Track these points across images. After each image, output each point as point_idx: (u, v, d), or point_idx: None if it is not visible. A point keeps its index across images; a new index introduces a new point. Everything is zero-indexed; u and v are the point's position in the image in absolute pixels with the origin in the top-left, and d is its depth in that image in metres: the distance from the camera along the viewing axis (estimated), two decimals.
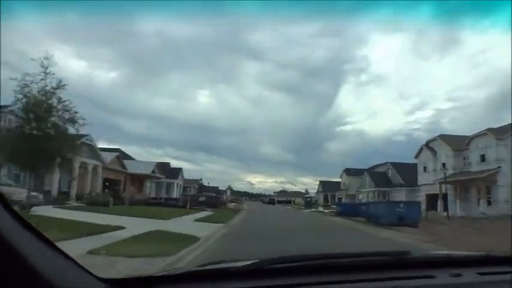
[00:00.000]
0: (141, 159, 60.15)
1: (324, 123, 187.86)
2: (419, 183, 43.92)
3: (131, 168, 44.13)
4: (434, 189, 39.80)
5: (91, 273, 1.15)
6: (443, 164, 38.59)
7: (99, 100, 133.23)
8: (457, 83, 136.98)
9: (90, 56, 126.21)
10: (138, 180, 46.90)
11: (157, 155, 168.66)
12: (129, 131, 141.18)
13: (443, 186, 36.99)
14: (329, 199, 78.83)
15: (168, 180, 61.34)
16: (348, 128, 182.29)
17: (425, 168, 42.43)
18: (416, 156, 44.40)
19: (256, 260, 1.39)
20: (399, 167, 55.19)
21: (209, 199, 41.71)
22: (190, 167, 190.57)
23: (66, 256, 1.09)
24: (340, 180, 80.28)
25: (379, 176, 57.28)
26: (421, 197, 43.66)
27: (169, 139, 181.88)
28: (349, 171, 75.33)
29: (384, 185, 55.08)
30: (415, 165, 56.46)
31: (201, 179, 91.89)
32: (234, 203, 61.91)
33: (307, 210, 48.92)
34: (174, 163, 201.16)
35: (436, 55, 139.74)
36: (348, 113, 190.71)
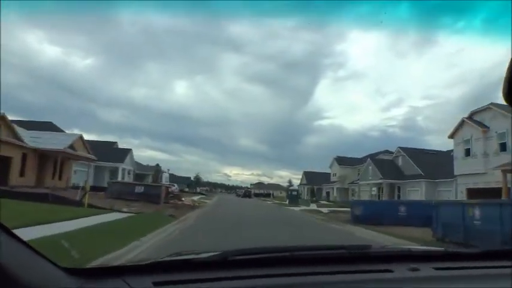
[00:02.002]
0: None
1: (301, 117, 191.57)
2: (457, 172, 31.12)
3: (37, 141, 29.63)
4: (484, 181, 27.20)
5: (54, 263, 1.14)
6: (503, 145, 25.92)
7: (74, 87, 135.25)
8: (432, 82, 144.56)
9: (65, 43, 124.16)
10: (52, 160, 32.26)
11: (134, 145, 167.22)
12: (105, 120, 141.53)
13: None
14: (315, 193, 66.13)
15: (110, 164, 47.00)
16: (325, 122, 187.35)
17: (468, 151, 29.61)
18: (452, 135, 31.47)
19: (221, 251, 1.40)
20: (414, 153, 42.46)
21: (150, 191, 27.71)
22: (167, 158, 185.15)
23: (27, 245, 1.08)
24: (329, 171, 67.55)
25: (386, 164, 44.44)
26: (459, 193, 30.94)
27: (146, 129, 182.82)
28: (341, 161, 62.48)
29: (393, 176, 42.27)
30: (435, 153, 44.03)
31: (159, 165, 77.18)
32: (196, 197, 47.91)
33: (296, 207, 35.44)
34: (151, 153, 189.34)
35: (413, 54, 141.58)
36: (325, 108, 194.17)
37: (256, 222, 17.11)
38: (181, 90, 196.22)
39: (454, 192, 34.73)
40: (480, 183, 27.81)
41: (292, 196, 43.96)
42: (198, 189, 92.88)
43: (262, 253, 1.42)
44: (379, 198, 45.04)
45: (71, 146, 33.61)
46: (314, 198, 58.68)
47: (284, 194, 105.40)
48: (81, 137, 36.80)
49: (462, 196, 30.09)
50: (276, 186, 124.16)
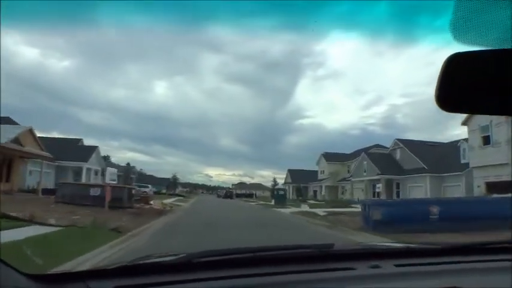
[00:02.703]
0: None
1: (282, 117, 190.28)
2: (473, 164, 26.88)
3: None
4: (509, 174, 23.01)
5: (16, 270, 1.13)
6: None
7: (52, 90, 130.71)
8: (411, 80, 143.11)
9: (42, 44, 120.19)
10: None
11: (114, 147, 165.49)
12: (85, 122, 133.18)
13: None
14: (302, 192, 61.63)
15: (73, 163, 41.24)
16: (305, 121, 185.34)
17: (487, 139, 25.37)
18: (465, 122, 27.18)
19: (186, 254, 1.41)
20: (414, 145, 38.24)
21: (113, 193, 22.31)
22: (148, 159, 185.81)
23: None
24: (316, 168, 63.14)
25: (382, 159, 40.15)
26: (476, 188, 26.72)
27: (125, 131, 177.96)
28: (329, 157, 58.12)
29: (392, 171, 37.97)
30: (437, 145, 39.94)
31: (131, 165, 71.79)
32: (171, 199, 42.47)
33: (284, 209, 30.60)
34: (131, 155, 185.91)
35: (391, 52, 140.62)
36: (305, 107, 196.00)
37: (238, 236, 12.10)
38: (161, 91, 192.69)
39: (464, 187, 30.64)
40: (504, 176, 23.61)
41: (279, 196, 39.10)
42: (178, 191, 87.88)
43: (227, 254, 1.42)
44: (373, 195, 40.71)
45: (16, 141, 27.91)
46: (301, 198, 54.12)
47: (267, 193, 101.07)
48: (30, 131, 31.00)
49: (479, 191, 25.86)
50: (258, 186, 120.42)
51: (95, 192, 22.59)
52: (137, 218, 16.37)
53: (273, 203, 44.26)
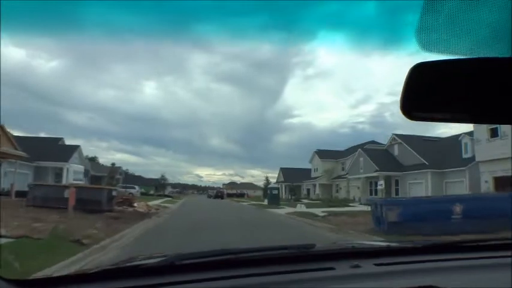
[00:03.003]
0: (86, 154, 47.71)
1: (271, 116, 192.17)
2: (480, 158, 25.27)
3: None
4: None
5: None
6: None
7: (39, 91, 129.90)
8: (398, 78, 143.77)
9: (29, 45, 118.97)
10: None
11: (102, 148, 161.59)
12: (73, 123, 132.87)
13: None
14: (295, 191, 59.82)
15: (53, 163, 38.78)
16: (295, 120, 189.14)
17: (494, 131, 23.75)
18: None
19: (169, 256, 1.41)
20: (413, 140, 36.57)
21: (86, 195, 20.15)
22: (137, 160, 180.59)
23: None
24: (309, 166, 61.40)
25: (380, 155, 38.44)
26: (483, 183, 25.11)
27: (114, 132, 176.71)
28: (322, 154, 56.37)
29: (390, 167, 36.28)
30: (436, 140, 38.39)
31: (120, 166, 69.40)
32: (159, 200, 40.20)
33: (279, 209, 28.69)
34: (120, 156, 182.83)
35: (379, 51, 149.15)
36: (295, 106, 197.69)
37: (231, 243, 10.08)
38: (150, 91, 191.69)
39: (467, 183, 29.03)
40: None
41: (272, 195, 37.10)
42: (167, 191, 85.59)
43: (209, 256, 1.42)
44: (371, 193, 39.03)
45: None
46: (294, 197, 52.28)
47: (258, 193, 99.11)
48: (1, 128, 28.54)
49: (487, 187, 24.27)
50: (249, 185, 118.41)
51: (69, 193, 20.39)
52: (114, 223, 14.27)
53: (265, 202, 42.31)
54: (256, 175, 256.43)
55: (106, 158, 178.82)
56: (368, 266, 1.41)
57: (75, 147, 43.37)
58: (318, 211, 25.03)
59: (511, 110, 0.80)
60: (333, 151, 57.50)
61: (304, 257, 1.49)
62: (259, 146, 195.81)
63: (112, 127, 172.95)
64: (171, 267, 1.34)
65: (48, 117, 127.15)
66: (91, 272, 1.31)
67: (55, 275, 1.30)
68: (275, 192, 37.75)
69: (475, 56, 0.86)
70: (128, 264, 1.44)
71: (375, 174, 35.83)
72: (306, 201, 45.59)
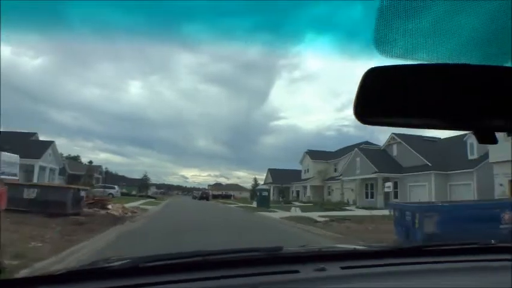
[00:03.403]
0: (70, 153, 46.97)
1: (258, 118, 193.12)
2: (494, 159, 23.00)
3: None
4: None
5: None
6: None
7: (23, 88, 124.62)
8: None
9: (15, 42, 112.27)
10: None
11: (87, 148, 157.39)
12: (57, 122, 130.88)
13: None
14: (284, 193, 57.28)
15: (24, 160, 35.29)
16: (281, 122, 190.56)
17: None
18: None
19: (133, 259, 1.41)
20: (414, 140, 34.30)
21: (50, 196, 17.15)
22: (121, 160, 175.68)
23: None
24: (299, 168, 58.94)
25: (378, 155, 36.10)
26: (497, 186, 22.89)
27: (99, 131, 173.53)
28: (314, 154, 53.93)
29: (389, 168, 33.97)
30: (436, 140, 36.24)
31: (101, 165, 66.18)
32: (140, 201, 37.05)
33: (270, 213, 26.01)
34: (105, 156, 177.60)
35: (365, 54, 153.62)
36: (281, 108, 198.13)
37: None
38: (136, 91, 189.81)
39: (474, 186, 26.89)
40: None
41: (262, 198, 34.28)
42: (151, 192, 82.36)
43: (175, 259, 1.42)
44: (367, 196, 36.66)
45: None
46: (284, 199, 49.71)
47: (244, 194, 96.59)
48: None
49: (501, 190, 22.04)
50: (235, 187, 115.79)
51: (29, 194, 17.31)
52: (75, 232, 11.38)
53: (254, 205, 39.60)
54: (242, 176, 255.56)
55: (90, 157, 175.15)
56: (334, 269, 1.40)
57: (49, 143, 39.97)
58: (315, 215, 22.41)
59: (467, 116, 0.80)
60: (324, 152, 55.15)
61: (271, 259, 1.50)
62: (245, 148, 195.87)
63: (97, 127, 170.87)
64: (135, 269, 1.32)
65: (31, 115, 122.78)
66: (56, 273, 1.30)
67: (20, 276, 1.40)
68: (265, 194, 35.00)
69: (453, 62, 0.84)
70: (93, 266, 1.42)
71: (373, 175, 33.44)
72: (297, 203, 43.07)
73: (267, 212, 27.04)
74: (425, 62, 0.86)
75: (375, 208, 31.01)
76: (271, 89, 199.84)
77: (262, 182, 70.64)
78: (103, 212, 19.68)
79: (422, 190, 30.31)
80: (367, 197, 36.95)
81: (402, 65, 0.85)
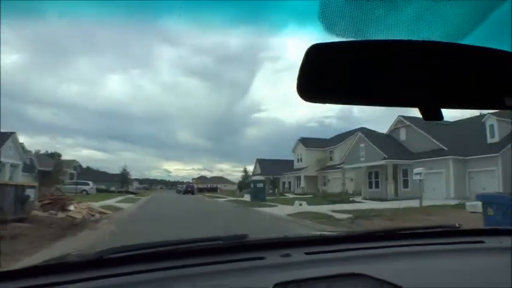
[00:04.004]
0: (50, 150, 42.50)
1: (240, 110, 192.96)
2: None
3: None
4: None
5: None
6: None
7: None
8: None
9: None
10: None
11: (67, 145, 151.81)
12: (35, 119, 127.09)
13: None
14: (276, 184, 53.34)
15: None
16: (263, 115, 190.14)
17: None
18: None
19: (98, 251, 1.38)
20: (423, 123, 30.70)
21: None
22: (103, 156, 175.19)
23: None
24: (290, 158, 55.12)
25: (384, 140, 32.40)
26: None
27: (79, 127, 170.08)
28: (307, 142, 50.09)
29: (398, 154, 30.35)
30: (451, 124, 32.71)
31: (59, 154, 61.23)
32: (117, 198, 32.53)
33: (269, 208, 22.00)
34: (86, 153, 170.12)
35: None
36: (263, 101, 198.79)
37: None
38: (116, 86, 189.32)
39: (499, 173, 23.54)
40: None
41: (258, 190, 30.19)
42: (132, 187, 77.57)
43: (138, 249, 1.39)
44: (370, 186, 33.08)
45: None
46: (277, 191, 45.87)
47: (229, 187, 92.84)
48: None
49: None
50: (220, 180, 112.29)
51: None
52: None
53: (247, 198, 35.57)
54: (225, 169, 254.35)
55: (71, 154, 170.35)
56: (298, 255, 1.40)
57: (8, 135, 34.81)
58: (325, 210, 18.53)
59: (412, 92, 0.80)
60: (318, 139, 51.39)
61: (237, 247, 1.48)
62: (227, 140, 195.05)
63: (77, 123, 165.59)
64: (99, 261, 1.30)
65: (8, 113, 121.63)
66: (16, 269, 1.29)
67: None
68: (260, 186, 30.85)
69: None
70: (55, 261, 1.37)
71: (382, 162, 29.75)
72: (290, 195, 39.27)
73: (265, 207, 23.01)
74: (371, 39, 0.83)
75: (385, 199, 27.40)
76: (252, 82, 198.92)
77: (233, 177, 66.55)
78: (62, 214, 15.29)
79: (438, 178, 26.83)
80: (371, 187, 33.37)
81: (345, 41, 0.83)
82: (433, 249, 1.53)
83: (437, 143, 27.72)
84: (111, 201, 26.74)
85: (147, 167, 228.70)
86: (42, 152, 66.52)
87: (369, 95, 0.82)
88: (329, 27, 0.89)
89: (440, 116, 0.84)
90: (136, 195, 49.19)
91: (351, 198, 27.97)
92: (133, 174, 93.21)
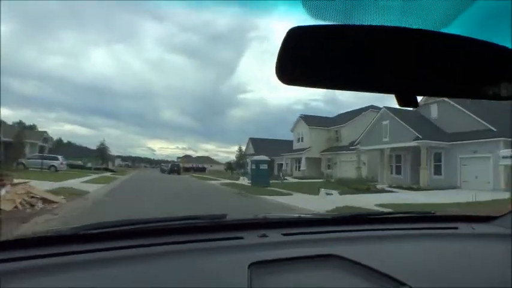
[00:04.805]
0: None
1: (226, 90, 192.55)
2: None
3: None
4: None
5: None
6: None
7: None
8: None
9: None
10: None
11: (50, 119, 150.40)
12: (17, 92, 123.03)
13: None
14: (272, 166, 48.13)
15: None
16: (249, 95, 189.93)
17: None
18: None
19: (74, 227, 1.36)
20: (462, 99, 25.56)
21: None
22: (87, 132, 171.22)
23: None
24: (289, 138, 49.85)
25: (412, 117, 27.14)
26: None
27: (62, 102, 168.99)
28: (310, 120, 44.81)
29: (433, 135, 25.29)
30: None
31: (22, 122, 55.64)
32: (91, 176, 26.81)
33: (279, 197, 16.72)
34: (69, 128, 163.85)
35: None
36: (249, 81, 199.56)
37: None
38: (101, 60, 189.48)
39: None
40: None
41: (260, 172, 24.81)
42: (113, 165, 71.79)
43: (116, 226, 1.38)
44: (391, 171, 28.20)
45: None
46: (278, 174, 40.74)
47: (216, 167, 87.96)
48: None
49: None
50: (206, 159, 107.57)
51: None
52: None
53: (242, 181, 30.31)
54: (210, 149, 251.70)
55: (54, 129, 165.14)
56: (275, 236, 1.42)
57: None
58: (365, 202, 13.38)
59: (388, 79, 0.80)
60: (322, 117, 46.17)
61: (215, 227, 1.48)
62: (212, 120, 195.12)
63: (60, 97, 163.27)
64: (75, 236, 1.28)
65: None
66: None
67: None
68: (264, 167, 25.23)
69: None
70: (30, 235, 1.35)
71: (413, 143, 24.62)
72: (291, 179, 34.20)
73: (275, 195, 17.72)
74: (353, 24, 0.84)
75: (417, 188, 22.44)
76: (239, 62, 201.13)
77: (219, 157, 61.03)
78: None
79: (483, 164, 21.92)
80: (391, 173, 28.45)
81: (325, 25, 0.83)
82: (407, 234, 1.56)
83: (483, 122, 22.70)
84: (76, 181, 21.10)
85: (131, 144, 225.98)
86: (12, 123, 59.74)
87: (346, 79, 0.81)
88: (313, 11, 0.86)
89: (415, 103, 0.83)
90: (114, 173, 43.54)
91: (378, 186, 22.86)
92: (117, 151, 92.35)
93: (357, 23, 0.84)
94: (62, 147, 78.66)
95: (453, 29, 0.90)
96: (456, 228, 1.65)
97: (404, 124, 25.53)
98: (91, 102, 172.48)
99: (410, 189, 22.12)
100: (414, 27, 0.82)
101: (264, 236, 1.39)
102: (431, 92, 0.88)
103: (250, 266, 1.14)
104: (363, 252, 1.30)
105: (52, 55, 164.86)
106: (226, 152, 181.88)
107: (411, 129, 24.76)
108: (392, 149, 27.58)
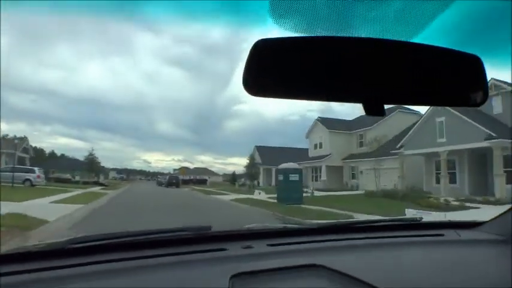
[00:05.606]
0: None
1: (221, 102, 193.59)
2: None
3: None
4: None
5: None
6: None
7: None
8: None
9: None
10: None
11: (45, 133, 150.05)
12: (12, 106, 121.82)
13: None
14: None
15: None
16: (244, 107, 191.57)
17: None
18: None
19: (62, 240, 1.34)
20: None
21: None
22: (82, 145, 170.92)
23: None
24: (304, 145, 44.44)
25: (472, 113, 21.78)
26: None
27: (57, 115, 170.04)
28: (330, 124, 39.35)
29: (503, 133, 19.92)
30: None
31: (63, 151, 50.48)
32: (70, 194, 21.11)
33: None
34: (65, 141, 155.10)
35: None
36: (244, 92, 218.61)
37: None
38: (96, 74, 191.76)
39: None
40: None
41: (291, 185, 19.05)
42: (104, 177, 66.22)
43: (104, 239, 1.36)
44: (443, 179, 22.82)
45: None
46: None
47: (214, 178, 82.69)
48: None
49: None
50: (204, 171, 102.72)
51: None
52: None
53: (257, 196, 24.76)
54: (206, 161, 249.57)
55: (49, 142, 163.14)
56: (261, 247, 1.40)
57: None
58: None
59: (355, 88, 0.81)
60: (340, 120, 40.87)
61: (200, 238, 1.47)
62: (208, 132, 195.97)
63: (55, 110, 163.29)
64: (62, 251, 1.26)
65: None
66: None
67: None
68: (294, 177, 19.31)
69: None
70: (19, 250, 1.33)
71: (484, 144, 19.24)
72: (315, 193, 28.66)
73: (327, 217, 12.19)
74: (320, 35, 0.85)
75: (498, 201, 16.98)
76: (234, 73, 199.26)
77: (216, 169, 54.97)
78: None
79: None
80: (450, 182, 23.01)
81: (290, 37, 0.84)
82: (393, 242, 1.53)
83: None
84: (45, 201, 15.48)
85: (127, 157, 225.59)
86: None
87: (313, 90, 0.81)
88: (282, 22, 0.88)
89: (382, 112, 0.83)
90: (105, 187, 37.83)
91: (452, 202, 17.32)
92: (113, 164, 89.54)
93: (325, 34, 0.84)
94: (54, 159, 72.93)
95: (421, 39, 0.90)
96: (442, 235, 1.62)
97: (469, 120, 20.16)
98: (86, 115, 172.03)
99: (490, 203, 16.69)
100: (382, 37, 0.83)
101: (249, 247, 1.38)
102: (399, 100, 0.88)
103: (232, 277, 1.12)
104: (348, 261, 1.29)
105: (47, 68, 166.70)
106: (223, 164, 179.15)
107: (480, 127, 19.40)
108: (459, 151, 22.10)
